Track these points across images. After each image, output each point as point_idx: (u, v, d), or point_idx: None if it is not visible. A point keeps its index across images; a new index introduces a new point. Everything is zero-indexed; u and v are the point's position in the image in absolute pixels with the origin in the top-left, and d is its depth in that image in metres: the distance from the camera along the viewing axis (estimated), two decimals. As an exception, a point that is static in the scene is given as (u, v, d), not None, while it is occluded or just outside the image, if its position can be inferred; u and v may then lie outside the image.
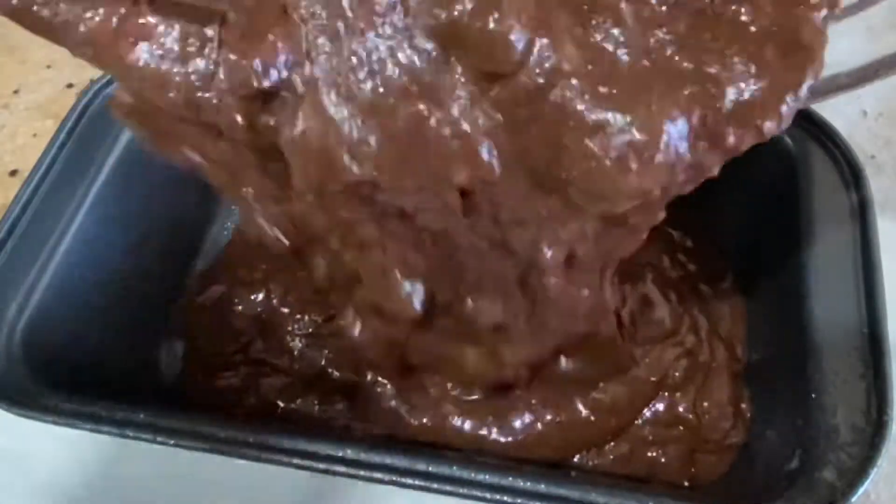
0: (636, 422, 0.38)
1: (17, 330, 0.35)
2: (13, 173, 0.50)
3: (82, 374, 0.36)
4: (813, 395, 0.32)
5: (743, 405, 0.38)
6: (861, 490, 0.29)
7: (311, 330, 0.41)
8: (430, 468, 0.30)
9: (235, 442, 0.31)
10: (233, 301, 0.43)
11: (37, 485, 0.38)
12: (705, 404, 0.38)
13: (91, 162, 0.40)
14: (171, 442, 0.32)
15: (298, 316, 0.42)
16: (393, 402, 0.38)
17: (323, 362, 0.40)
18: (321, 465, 0.31)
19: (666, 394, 0.39)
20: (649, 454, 0.37)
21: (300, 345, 0.41)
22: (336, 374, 0.40)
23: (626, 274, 0.42)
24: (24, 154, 0.51)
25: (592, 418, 0.38)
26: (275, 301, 0.43)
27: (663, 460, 0.37)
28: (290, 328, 0.41)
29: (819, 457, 0.30)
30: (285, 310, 0.42)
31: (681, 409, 0.38)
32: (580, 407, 0.38)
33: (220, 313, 0.43)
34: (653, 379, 0.39)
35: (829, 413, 0.31)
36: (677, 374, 0.39)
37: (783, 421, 0.34)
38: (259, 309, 0.42)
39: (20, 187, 0.38)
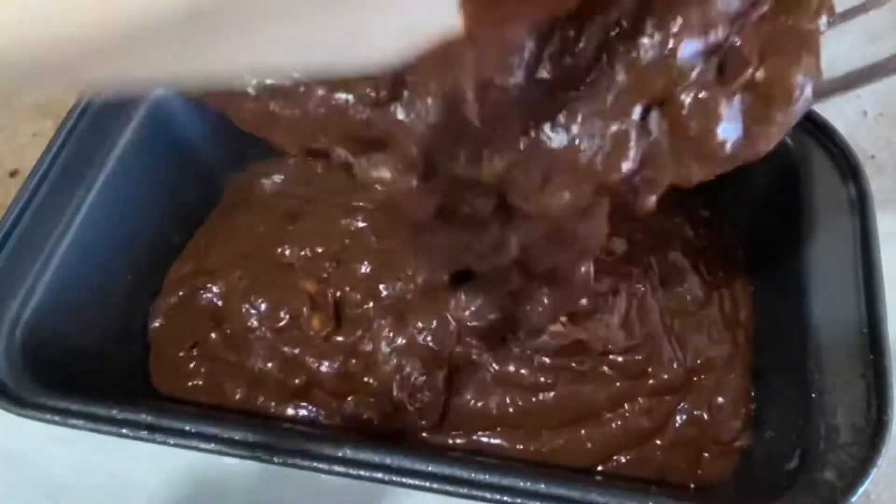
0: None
1: (17, 330, 0.35)
2: (13, 173, 0.50)
3: (82, 374, 0.36)
4: (813, 395, 0.32)
5: (752, 406, 0.38)
6: (861, 490, 0.29)
7: (263, 323, 0.40)
8: (430, 468, 0.30)
9: (236, 442, 0.31)
10: (193, 295, 0.42)
11: (37, 485, 0.38)
12: (720, 400, 0.37)
13: (91, 162, 0.40)
14: (171, 442, 0.32)
15: (247, 306, 0.40)
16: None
17: (270, 365, 0.39)
18: (322, 465, 0.31)
19: (695, 378, 0.38)
20: (660, 457, 0.37)
21: (252, 338, 0.39)
22: (288, 378, 0.39)
23: (652, 243, 0.41)
24: (24, 154, 0.51)
25: (626, 418, 0.37)
26: (231, 290, 0.41)
27: (673, 463, 0.37)
28: (245, 322, 0.40)
29: (819, 457, 0.30)
30: (240, 299, 0.40)
31: (696, 411, 0.37)
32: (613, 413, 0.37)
33: (181, 310, 0.42)
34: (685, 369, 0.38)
35: (829, 413, 0.31)
36: (699, 361, 0.38)
37: (783, 421, 0.34)
38: (216, 300, 0.41)
39: (20, 187, 0.38)
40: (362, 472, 0.30)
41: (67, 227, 0.38)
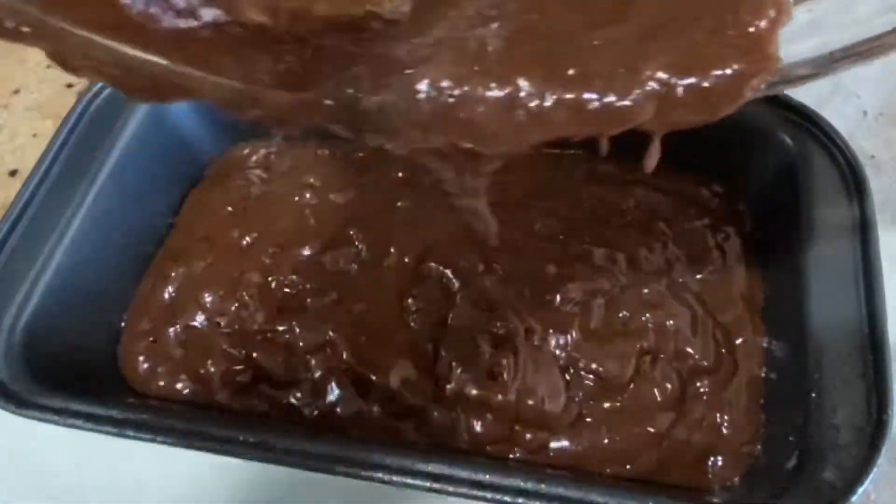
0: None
1: (17, 330, 0.35)
2: (13, 173, 0.50)
3: (82, 374, 0.36)
4: (813, 395, 0.32)
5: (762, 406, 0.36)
6: (861, 490, 0.29)
7: (209, 318, 0.39)
8: (430, 468, 0.30)
9: (236, 442, 0.31)
10: (160, 285, 0.41)
11: (37, 485, 0.38)
12: (741, 398, 0.36)
13: (91, 162, 0.40)
14: (171, 441, 0.32)
15: (195, 302, 0.39)
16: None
17: (213, 364, 0.38)
18: (323, 465, 0.31)
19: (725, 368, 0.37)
20: (671, 459, 0.36)
21: (199, 335, 0.39)
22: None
23: (675, 205, 0.42)
24: (24, 154, 0.51)
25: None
26: (185, 281, 0.40)
27: (683, 466, 0.35)
28: (193, 317, 0.39)
29: (819, 457, 0.30)
30: (187, 293, 0.40)
31: (717, 417, 0.36)
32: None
33: (147, 302, 0.41)
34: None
35: (829, 413, 0.31)
36: (714, 358, 0.37)
37: (783, 421, 0.34)
38: (172, 292, 0.40)
39: (20, 187, 0.38)
40: (362, 472, 0.30)
41: (67, 227, 0.38)
